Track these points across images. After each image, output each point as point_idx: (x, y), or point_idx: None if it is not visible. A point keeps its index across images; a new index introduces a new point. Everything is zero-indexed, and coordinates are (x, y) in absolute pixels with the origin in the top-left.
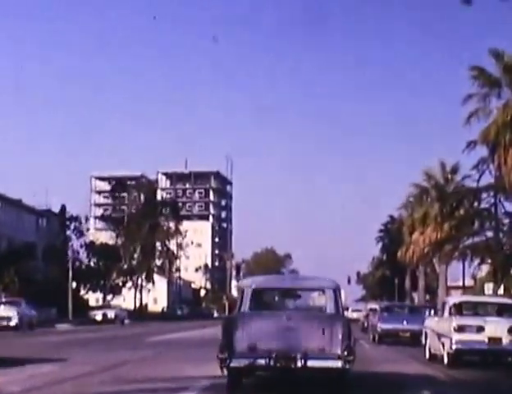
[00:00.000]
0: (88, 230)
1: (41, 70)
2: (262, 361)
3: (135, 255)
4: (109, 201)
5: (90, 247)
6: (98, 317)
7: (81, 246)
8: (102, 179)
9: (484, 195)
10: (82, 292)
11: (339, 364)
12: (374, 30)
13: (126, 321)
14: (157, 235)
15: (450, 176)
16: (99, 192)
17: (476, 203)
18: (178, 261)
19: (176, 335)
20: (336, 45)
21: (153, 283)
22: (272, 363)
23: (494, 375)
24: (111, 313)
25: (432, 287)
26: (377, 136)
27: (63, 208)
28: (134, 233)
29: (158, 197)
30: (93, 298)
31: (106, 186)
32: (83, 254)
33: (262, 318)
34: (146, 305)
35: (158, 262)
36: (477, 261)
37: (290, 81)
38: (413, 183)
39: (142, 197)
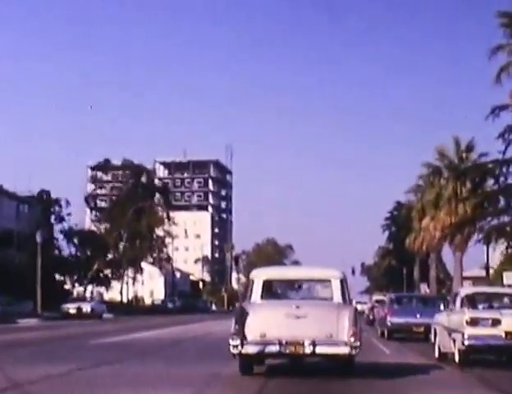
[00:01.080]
0: (69, 214)
1: (36, 57)
2: (272, 348)
3: (122, 243)
4: (104, 191)
5: (70, 233)
6: (72, 311)
7: (61, 232)
8: (97, 168)
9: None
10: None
11: (346, 350)
12: None
13: (106, 315)
14: (143, 221)
15: (464, 154)
16: (100, 182)
17: (502, 178)
18: (170, 250)
19: (147, 334)
20: (339, 18)
21: (142, 273)
22: (282, 349)
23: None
24: (86, 307)
25: (439, 278)
26: (383, 120)
27: (45, 193)
28: (118, 218)
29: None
30: (88, 291)
31: (102, 176)
32: (62, 242)
33: (272, 307)
34: (138, 298)
35: (147, 250)
36: (502, 245)
37: (292, 65)
38: (424, 162)
39: (129, 180)
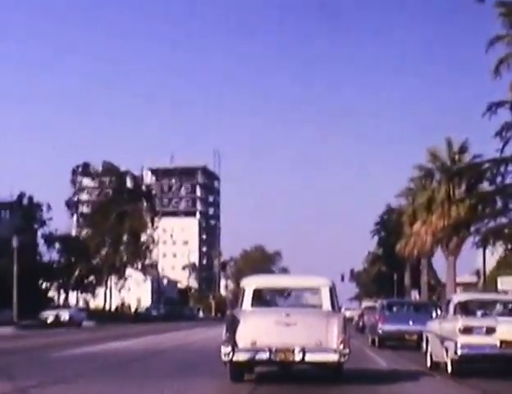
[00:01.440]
0: (50, 219)
1: (22, 60)
2: (263, 355)
3: (105, 249)
4: (87, 196)
5: (51, 239)
6: (50, 318)
7: (42, 237)
8: (85, 175)
9: (510, 168)
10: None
11: (335, 357)
12: None
13: (87, 323)
14: (126, 226)
15: (457, 156)
16: (83, 189)
17: (499, 178)
18: (155, 256)
19: (122, 343)
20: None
21: (125, 280)
22: (272, 357)
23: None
24: (64, 315)
25: (430, 284)
26: (372, 123)
27: (27, 198)
28: (101, 223)
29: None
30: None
31: (90, 183)
32: (44, 247)
33: (262, 315)
34: (124, 305)
35: (131, 256)
36: (500, 248)
37: (280, 70)
38: (416, 164)
39: (110, 184)
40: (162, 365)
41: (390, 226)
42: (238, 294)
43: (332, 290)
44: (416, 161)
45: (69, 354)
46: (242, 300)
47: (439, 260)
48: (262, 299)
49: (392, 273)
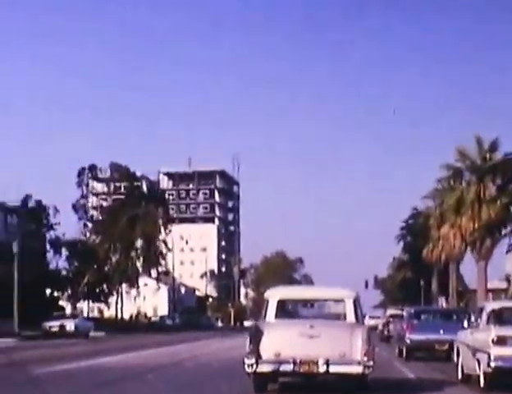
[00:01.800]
0: (58, 223)
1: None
2: (286, 367)
3: (116, 255)
4: (95, 200)
5: (57, 244)
6: (54, 329)
7: (49, 243)
8: (99, 180)
9: None
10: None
11: (360, 369)
12: None
13: (95, 333)
14: (138, 231)
15: (488, 154)
16: (97, 194)
17: None
18: (170, 263)
19: (120, 357)
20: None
21: (138, 288)
22: (296, 368)
23: None
24: (70, 325)
25: (458, 290)
26: (396, 124)
27: (36, 202)
28: (112, 228)
29: None
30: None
31: (100, 187)
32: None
33: (286, 327)
34: (139, 314)
35: (144, 263)
36: None
37: (299, 73)
38: (443, 164)
39: (122, 188)
40: (150, 388)
41: (416, 231)
42: (259, 303)
43: (356, 302)
44: (443, 161)
45: (55, 370)
46: (266, 312)
47: (467, 264)
48: (285, 310)
49: (418, 279)
